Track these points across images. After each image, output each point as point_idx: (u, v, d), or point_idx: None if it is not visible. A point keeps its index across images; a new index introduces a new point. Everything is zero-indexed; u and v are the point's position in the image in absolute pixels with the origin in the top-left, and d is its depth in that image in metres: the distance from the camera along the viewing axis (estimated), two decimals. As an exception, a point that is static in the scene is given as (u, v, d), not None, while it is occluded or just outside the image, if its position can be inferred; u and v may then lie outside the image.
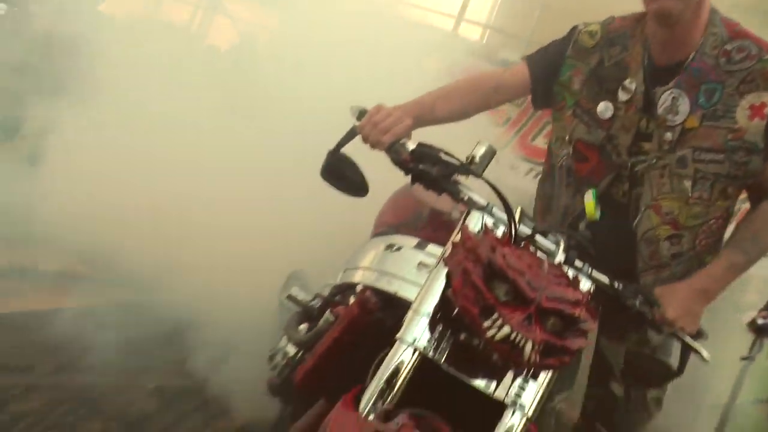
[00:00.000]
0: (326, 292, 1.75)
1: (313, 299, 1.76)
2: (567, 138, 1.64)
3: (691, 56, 1.54)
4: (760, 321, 3.06)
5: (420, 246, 1.48)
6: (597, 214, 1.43)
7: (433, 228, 1.59)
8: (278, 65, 3.94)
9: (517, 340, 1.01)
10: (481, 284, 1.04)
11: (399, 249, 1.50)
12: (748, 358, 3.24)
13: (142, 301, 2.98)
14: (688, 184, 1.53)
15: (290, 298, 1.76)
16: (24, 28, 4.72)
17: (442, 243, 1.27)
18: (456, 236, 1.18)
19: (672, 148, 1.54)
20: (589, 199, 1.43)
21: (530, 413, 1.15)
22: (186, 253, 3.04)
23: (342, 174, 1.37)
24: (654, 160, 1.55)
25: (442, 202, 1.49)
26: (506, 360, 1.06)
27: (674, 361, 1.57)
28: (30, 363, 2.25)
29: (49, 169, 3.60)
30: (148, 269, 3.08)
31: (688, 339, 1.37)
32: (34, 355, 2.30)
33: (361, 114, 1.40)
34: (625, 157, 1.57)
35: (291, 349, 1.77)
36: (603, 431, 1.81)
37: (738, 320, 4.26)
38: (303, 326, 1.70)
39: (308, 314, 1.73)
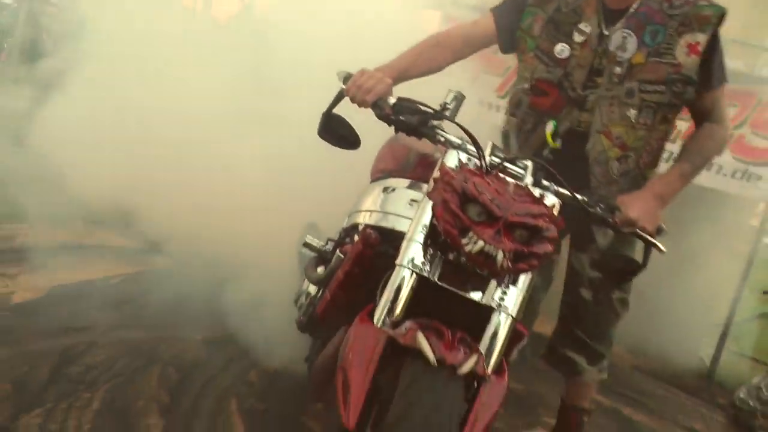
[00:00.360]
0: (337, 237, 1.99)
1: (326, 244, 1.98)
2: (529, 77, 1.86)
3: (638, 2, 1.75)
4: None
5: (411, 186, 1.71)
6: (558, 143, 1.63)
7: (421, 169, 1.80)
8: (281, 23, 4.08)
9: (490, 251, 1.26)
10: (458, 210, 1.28)
11: (393, 190, 1.73)
12: None
13: (177, 265, 3.28)
14: (634, 112, 1.77)
15: (306, 245, 1.98)
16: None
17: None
18: (436, 173, 1.41)
19: (621, 81, 1.77)
20: (550, 129, 1.62)
21: (514, 313, 1.39)
22: (210, 216, 3.27)
23: (336, 132, 1.59)
24: (605, 91, 1.77)
25: (428, 146, 1.70)
26: (483, 268, 1.30)
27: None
28: (89, 324, 2.54)
29: (77, 146, 3.80)
30: (178, 236, 3.37)
31: (647, 236, 1.57)
32: (92, 318, 2.59)
33: (347, 78, 1.60)
34: (580, 91, 1.80)
35: (312, 290, 2.01)
36: (579, 334, 2.06)
37: (735, 246, 4.46)
38: (320, 268, 1.92)
39: (323, 257, 1.95)
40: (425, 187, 1.46)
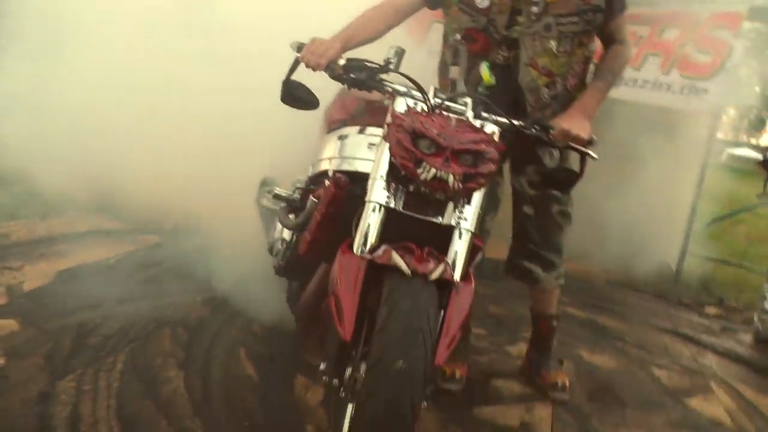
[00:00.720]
0: (301, 186, 2.17)
1: (294, 193, 2.17)
2: (458, 28, 2.09)
3: None
4: None
5: (367, 132, 1.93)
6: (492, 80, 1.85)
7: (373, 115, 2.03)
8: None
9: (442, 176, 1.49)
10: (410, 146, 1.51)
11: (352, 137, 1.95)
12: (763, 194, 3.61)
13: (166, 238, 3.58)
14: (554, 43, 2.03)
15: (276, 196, 2.17)
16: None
17: (381, 125, 1.72)
18: (388, 118, 1.63)
19: (538, 18, 2.01)
20: (484, 70, 1.84)
21: (472, 228, 1.63)
22: (181, 188, 3.38)
23: (296, 96, 1.79)
24: (526, 28, 2.02)
25: (375, 95, 1.90)
26: (439, 192, 1.54)
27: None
28: (98, 301, 2.74)
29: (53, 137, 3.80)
30: (159, 211, 3.58)
31: (580, 147, 1.82)
32: (100, 295, 2.79)
33: (300, 47, 1.80)
34: (504, 32, 2.04)
35: (287, 235, 2.21)
36: (530, 246, 2.34)
37: (688, 157, 4.73)
38: (291, 215, 2.12)
39: (293, 205, 2.14)
40: (380, 131, 1.67)
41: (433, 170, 1.49)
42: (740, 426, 2.55)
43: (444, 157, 1.50)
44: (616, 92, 4.49)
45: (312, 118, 2.31)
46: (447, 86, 2.03)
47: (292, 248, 2.10)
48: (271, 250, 2.38)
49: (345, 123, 2.09)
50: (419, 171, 1.51)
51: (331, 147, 2.04)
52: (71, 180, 3.70)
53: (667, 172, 4.69)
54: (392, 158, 1.57)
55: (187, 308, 2.80)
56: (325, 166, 2.03)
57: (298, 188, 2.19)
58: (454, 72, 1.85)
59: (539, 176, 2.15)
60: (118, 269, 3.20)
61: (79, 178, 3.70)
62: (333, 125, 2.17)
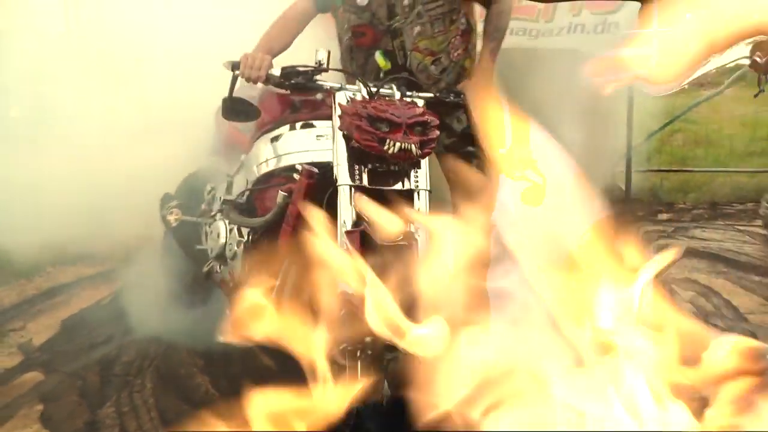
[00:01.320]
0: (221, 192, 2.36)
1: (240, 196, 2.30)
2: (348, 27, 2.33)
3: None
4: (758, 59, 3.70)
5: (305, 126, 2.17)
6: (389, 65, 2.12)
7: (300, 112, 2.25)
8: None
9: (405, 146, 1.74)
10: (371, 129, 1.75)
11: (290, 134, 2.15)
12: (760, 92, 3.86)
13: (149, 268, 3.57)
14: (428, 26, 2.30)
15: (225, 201, 2.32)
16: None
17: (315, 118, 1.90)
18: (338, 110, 1.87)
19: (411, 8, 2.28)
20: (379, 57, 2.12)
21: (428, 187, 1.92)
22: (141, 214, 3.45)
23: (239, 111, 2.00)
24: (403, 19, 2.29)
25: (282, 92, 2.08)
26: (404, 161, 1.79)
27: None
28: (108, 337, 2.93)
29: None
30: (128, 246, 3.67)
31: None
32: (107, 331, 2.97)
33: (235, 65, 2.00)
34: (387, 23, 2.29)
35: (240, 235, 2.29)
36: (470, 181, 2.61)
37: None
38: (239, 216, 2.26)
39: (239, 207, 2.28)
40: (320, 123, 1.88)
41: (398, 143, 1.75)
42: (701, 308, 2.89)
43: (402, 131, 1.76)
44: (532, 44, 4.74)
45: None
46: (350, 80, 2.28)
47: (251, 246, 2.21)
48: (219, 256, 2.40)
49: (280, 122, 2.24)
50: (385, 147, 1.76)
51: (271, 148, 2.19)
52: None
53: (598, 103, 5.00)
54: (356, 143, 1.81)
55: (191, 321, 2.97)
56: (265, 168, 2.19)
57: (246, 189, 2.31)
58: (353, 67, 2.10)
59: (458, 139, 2.40)
60: (116, 305, 3.35)
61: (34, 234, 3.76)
62: (264, 127, 2.30)
